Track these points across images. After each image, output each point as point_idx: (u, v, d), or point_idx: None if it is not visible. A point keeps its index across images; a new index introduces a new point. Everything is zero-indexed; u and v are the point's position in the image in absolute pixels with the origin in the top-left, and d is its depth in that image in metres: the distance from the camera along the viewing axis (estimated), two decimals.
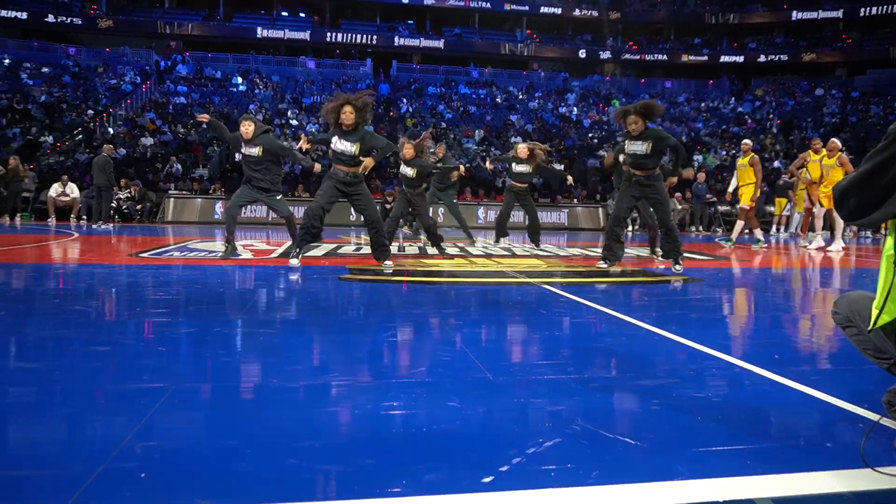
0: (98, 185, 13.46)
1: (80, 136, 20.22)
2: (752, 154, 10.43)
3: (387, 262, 6.06)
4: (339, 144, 5.82)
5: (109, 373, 2.41)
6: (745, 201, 10.38)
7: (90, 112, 21.42)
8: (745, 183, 10.41)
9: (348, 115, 5.73)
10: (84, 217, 15.41)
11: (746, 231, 12.04)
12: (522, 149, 8.92)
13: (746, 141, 10.96)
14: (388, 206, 17.32)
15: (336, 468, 1.56)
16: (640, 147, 5.88)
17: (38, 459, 1.58)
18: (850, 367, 2.66)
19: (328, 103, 5.95)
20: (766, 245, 10.94)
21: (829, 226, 11.57)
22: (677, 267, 6.10)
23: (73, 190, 15.45)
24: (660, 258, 7.35)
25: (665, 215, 6.14)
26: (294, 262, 6.04)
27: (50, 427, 1.83)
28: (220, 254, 7.05)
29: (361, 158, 5.81)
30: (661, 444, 1.76)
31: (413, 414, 2.04)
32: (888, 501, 1.48)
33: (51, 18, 29.70)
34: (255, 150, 6.67)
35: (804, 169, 10.81)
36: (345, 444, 1.73)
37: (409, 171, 7.63)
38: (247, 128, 6.67)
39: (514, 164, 8.97)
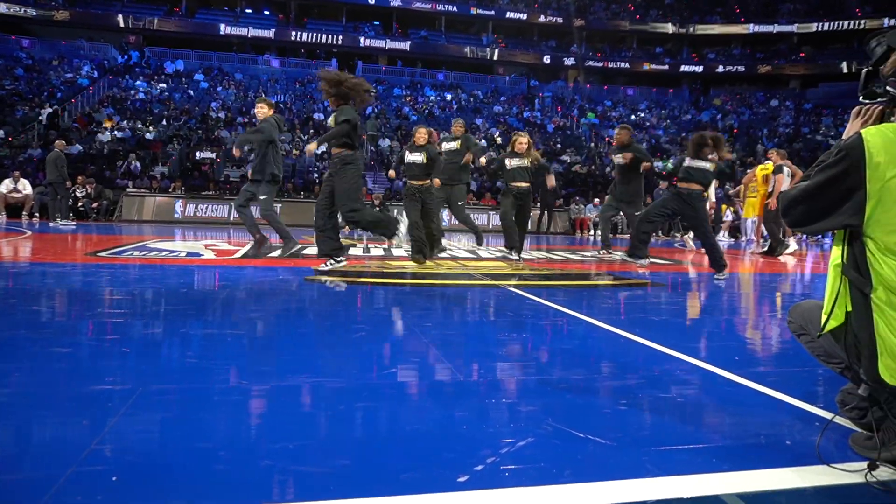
0: (51, 181, 13.05)
1: (33, 131, 19.56)
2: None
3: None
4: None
5: (73, 374, 2.36)
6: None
7: (46, 107, 20.71)
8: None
9: (422, 135, 6.78)
10: (37, 214, 14.91)
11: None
12: (522, 140, 7.31)
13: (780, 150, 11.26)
14: (375, 207, 17.24)
15: (311, 469, 1.56)
16: (704, 164, 6.31)
17: (4, 462, 1.54)
18: (806, 368, 2.77)
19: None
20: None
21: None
22: (719, 275, 6.35)
23: (25, 186, 14.94)
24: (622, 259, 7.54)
25: (702, 234, 6.52)
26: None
27: (15, 429, 1.78)
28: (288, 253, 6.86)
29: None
30: (630, 443, 1.81)
31: (386, 415, 2.05)
32: (844, 495, 1.55)
33: (3, 8, 28.66)
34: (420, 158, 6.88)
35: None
36: (319, 444, 1.73)
37: (418, 158, 6.82)
38: (260, 109, 6.70)
39: (508, 160, 7.28)
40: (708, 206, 12.20)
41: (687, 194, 6.23)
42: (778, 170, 10.21)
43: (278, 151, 6.68)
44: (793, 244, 10.62)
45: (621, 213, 8.91)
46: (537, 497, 1.46)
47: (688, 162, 6.31)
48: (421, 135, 6.95)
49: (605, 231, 8.96)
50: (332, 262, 5.71)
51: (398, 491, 1.46)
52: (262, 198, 6.51)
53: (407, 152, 6.96)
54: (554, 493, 1.48)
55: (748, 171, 13.92)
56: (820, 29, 34.34)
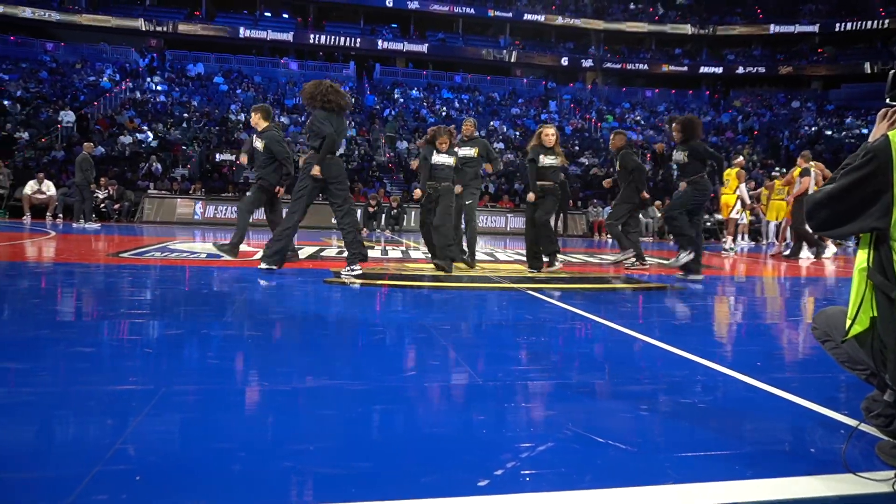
0: (76, 182, 13.37)
1: (57, 133, 19.89)
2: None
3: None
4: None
5: (97, 374, 2.39)
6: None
7: (67, 109, 21.03)
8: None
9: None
10: (60, 215, 15.16)
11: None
12: (549, 131, 6.60)
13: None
14: (370, 209, 17.31)
15: (332, 471, 1.56)
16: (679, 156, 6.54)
17: (31, 461, 1.56)
18: (830, 374, 2.73)
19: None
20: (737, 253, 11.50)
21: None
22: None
23: (49, 188, 15.19)
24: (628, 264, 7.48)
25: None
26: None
27: (41, 429, 1.81)
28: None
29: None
30: (651, 449, 1.79)
31: (405, 417, 2.05)
32: None
33: (28, 13, 29.18)
34: (259, 144, 6.50)
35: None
36: (339, 447, 1.74)
37: (448, 160, 6.44)
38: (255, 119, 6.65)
39: (543, 156, 6.55)
40: (739, 207, 12.15)
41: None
42: (804, 173, 10.06)
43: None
44: (830, 248, 10.54)
45: (641, 216, 8.82)
46: (558, 502, 1.45)
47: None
48: (446, 140, 6.48)
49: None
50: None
51: (418, 494, 1.46)
52: (248, 194, 6.68)
53: (435, 153, 6.45)
54: (575, 499, 1.47)
55: (774, 173, 13.79)
56: (842, 28, 33.86)
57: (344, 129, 5.94)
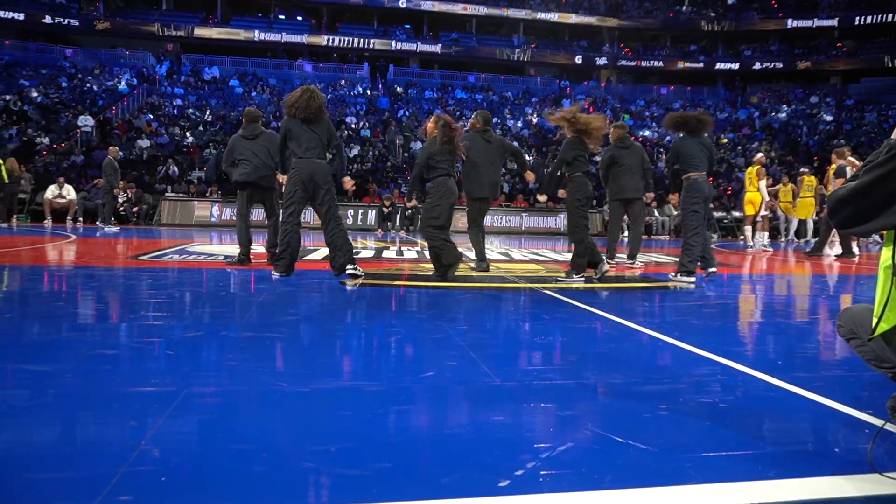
0: (102, 186, 13.84)
1: (76, 138, 20.17)
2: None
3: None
4: None
5: (120, 376, 2.42)
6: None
7: (87, 114, 21.32)
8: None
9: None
10: (80, 219, 15.37)
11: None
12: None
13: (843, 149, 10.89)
14: (385, 209, 17.34)
15: (352, 472, 1.57)
16: None
17: (58, 461, 1.59)
18: (854, 373, 2.69)
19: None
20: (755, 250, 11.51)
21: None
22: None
23: (69, 192, 15.41)
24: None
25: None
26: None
27: (66, 429, 1.84)
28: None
29: None
30: (672, 449, 1.78)
31: (424, 418, 2.06)
32: None
33: (48, 20, 29.65)
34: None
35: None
36: (359, 447, 1.75)
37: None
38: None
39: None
40: (764, 208, 12.07)
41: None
42: (839, 172, 9.73)
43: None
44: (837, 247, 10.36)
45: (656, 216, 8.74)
46: (579, 502, 1.45)
47: None
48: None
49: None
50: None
51: (439, 495, 1.46)
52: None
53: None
54: (596, 499, 1.47)
55: (803, 169, 13.64)
56: (862, 22, 33.35)
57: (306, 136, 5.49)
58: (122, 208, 15.89)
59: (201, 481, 1.50)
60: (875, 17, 32.84)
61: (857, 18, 33.48)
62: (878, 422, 2.00)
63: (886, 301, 1.75)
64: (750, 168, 12.09)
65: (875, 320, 1.79)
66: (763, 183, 11.88)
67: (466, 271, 6.58)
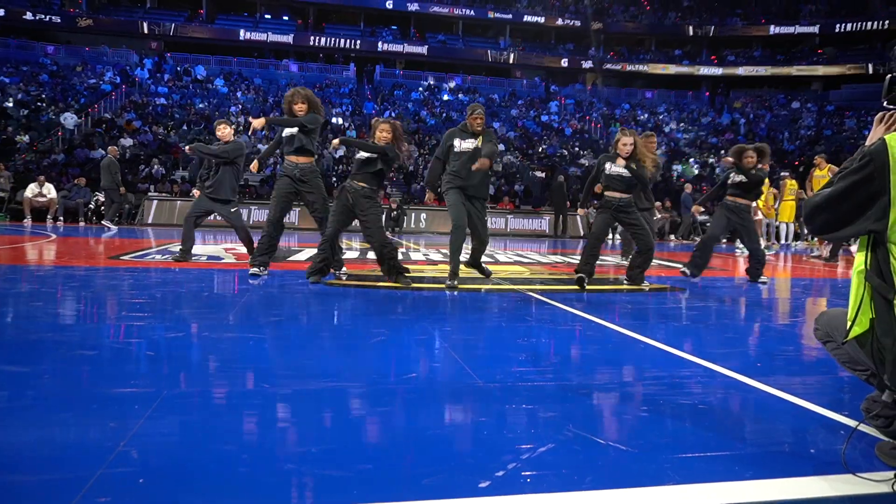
0: (105, 187, 13.61)
1: (57, 137, 19.91)
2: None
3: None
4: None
5: (99, 377, 2.40)
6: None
7: (71, 111, 21.06)
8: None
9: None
10: (61, 218, 15.17)
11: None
12: (627, 141, 5.73)
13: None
14: (393, 213, 17.22)
15: (334, 473, 1.57)
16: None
17: (35, 463, 1.57)
18: (830, 375, 2.74)
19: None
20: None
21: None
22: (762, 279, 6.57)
23: (49, 190, 15.20)
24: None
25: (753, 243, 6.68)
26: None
27: (44, 431, 1.82)
28: (173, 258, 6.98)
29: None
30: (651, 450, 1.80)
31: (407, 419, 2.06)
32: None
33: (29, 16, 29.23)
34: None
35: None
36: (342, 449, 1.75)
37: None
38: (222, 130, 6.66)
39: (608, 164, 5.83)
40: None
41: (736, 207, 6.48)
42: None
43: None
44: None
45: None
46: (559, 503, 1.46)
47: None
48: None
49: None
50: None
51: (420, 495, 1.46)
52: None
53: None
54: (576, 500, 1.48)
55: (784, 174, 13.83)
56: (843, 29, 33.87)
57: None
58: (103, 207, 15.70)
59: (181, 483, 1.49)
60: (855, 24, 33.38)
61: (838, 26, 34.00)
62: (853, 423, 2.03)
63: (859, 305, 1.79)
64: None
65: (849, 324, 1.82)
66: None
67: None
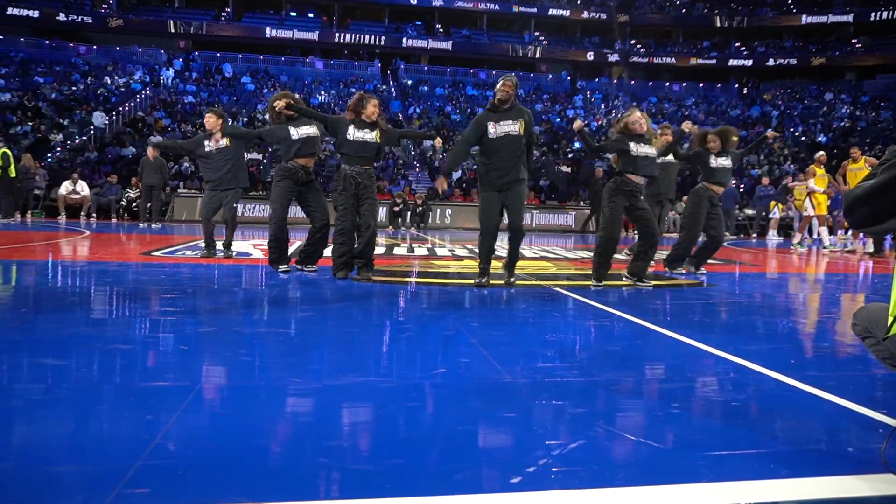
0: (151, 184, 13.55)
1: (90, 135, 20.32)
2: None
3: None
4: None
5: (134, 371, 2.45)
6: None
7: (101, 110, 21.48)
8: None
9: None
10: (94, 215, 15.50)
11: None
12: (639, 117, 5.42)
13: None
14: (396, 207, 17.34)
15: (366, 467, 1.58)
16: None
17: (74, 455, 1.61)
18: (867, 372, 2.67)
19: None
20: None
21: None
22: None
23: (83, 188, 15.55)
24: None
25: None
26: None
27: (81, 424, 1.86)
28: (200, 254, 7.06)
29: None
30: (684, 447, 1.78)
31: (437, 415, 2.06)
32: None
33: (62, 17, 29.88)
34: (223, 143, 6.60)
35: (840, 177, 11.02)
36: (372, 443, 1.76)
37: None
38: (210, 120, 6.61)
39: (633, 144, 5.32)
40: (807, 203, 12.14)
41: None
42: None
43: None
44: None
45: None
46: (591, 499, 1.45)
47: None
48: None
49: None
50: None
51: (452, 490, 1.47)
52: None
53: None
54: (608, 496, 1.47)
55: (808, 166, 13.56)
56: (878, 18, 32.96)
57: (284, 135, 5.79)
58: (134, 205, 16.00)
59: (216, 475, 1.51)
60: (891, 12, 32.45)
61: (873, 14, 33.11)
62: (892, 421, 1.98)
63: None
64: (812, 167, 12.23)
65: (890, 319, 1.78)
66: (812, 181, 11.83)
67: (475, 268, 6.58)
